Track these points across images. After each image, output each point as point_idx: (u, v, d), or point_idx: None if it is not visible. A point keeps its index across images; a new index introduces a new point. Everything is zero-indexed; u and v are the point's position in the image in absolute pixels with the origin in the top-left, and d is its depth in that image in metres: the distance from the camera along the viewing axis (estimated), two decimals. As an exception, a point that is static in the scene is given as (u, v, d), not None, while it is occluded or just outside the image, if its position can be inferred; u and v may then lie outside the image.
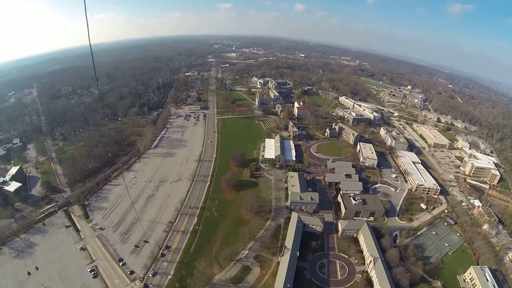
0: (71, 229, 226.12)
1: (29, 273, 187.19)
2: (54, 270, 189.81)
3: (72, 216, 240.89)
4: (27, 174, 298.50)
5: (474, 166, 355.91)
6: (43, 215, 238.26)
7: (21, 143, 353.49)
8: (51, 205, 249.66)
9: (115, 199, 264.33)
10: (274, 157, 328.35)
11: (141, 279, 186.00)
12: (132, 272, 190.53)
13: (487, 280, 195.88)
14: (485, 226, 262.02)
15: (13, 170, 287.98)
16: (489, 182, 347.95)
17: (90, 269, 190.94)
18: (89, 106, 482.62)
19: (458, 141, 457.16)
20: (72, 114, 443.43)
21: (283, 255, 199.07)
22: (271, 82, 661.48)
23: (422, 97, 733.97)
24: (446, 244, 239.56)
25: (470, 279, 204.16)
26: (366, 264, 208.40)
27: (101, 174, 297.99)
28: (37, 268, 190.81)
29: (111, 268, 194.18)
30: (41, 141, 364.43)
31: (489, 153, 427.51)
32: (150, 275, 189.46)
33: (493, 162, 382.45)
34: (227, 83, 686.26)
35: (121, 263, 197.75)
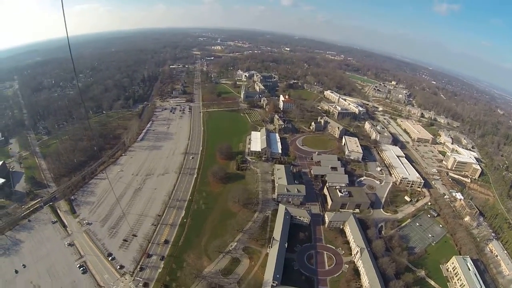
0: (58, 225, 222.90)
1: (16, 271, 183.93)
2: (42, 267, 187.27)
3: (59, 211, 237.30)
4: (10, 170, 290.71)
5: (456, 161, 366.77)
6: (28, 211, 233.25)
7: (3, 138, 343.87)
8: (36, 201, 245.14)
9: (101, 193, 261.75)
10: (260, 150, 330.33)
11: (131, 273, 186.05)
12: (121, 267, 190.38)
13: (469, 269, 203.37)
14: (467, 218, 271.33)
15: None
16: (470, 176, 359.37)
17: (78, 265, 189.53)
18: (72, 99, 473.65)
19: (441, 136, 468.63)
20: (56, 107, 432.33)
21: (271, 247, 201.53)
22: (257, 76, 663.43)
23: (406, 93, 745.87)
24: (430, 235, 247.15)
25: (453, 268, 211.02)
26: (353, 255, 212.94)
27: (87, 168, 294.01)
28: (24, 266, 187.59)
29: (100, 263, 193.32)
30: (24, 135, 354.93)
31: (471, 148, 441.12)
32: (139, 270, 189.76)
33: (475, 157, 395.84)
34: (212, 76, 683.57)
35: (110, 257, 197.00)
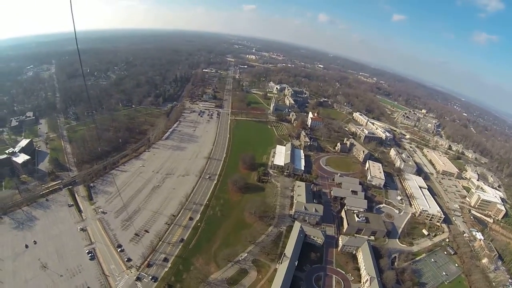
0: (74, 209, 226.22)
1: (26, 246, 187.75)
2: (52, 247, 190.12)
3: (76, 195, 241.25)
4: (37, 148, 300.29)
5: (480, 199, 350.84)
6: (47, 190, 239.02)
7: (34, 117, 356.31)
8: (56, 182, 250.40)
9: (120, 185, 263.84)
10: (283, 164, 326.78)
11: (137, 267, 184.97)
12: (129, 260, 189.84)
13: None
14: (485, 260, 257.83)
15: (23, 142, 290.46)
16: (493, 216, 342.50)
17: (87, 250, 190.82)
18: (104, 90, 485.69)
19: (467, 171, 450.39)
20: (87, 95, 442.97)
21: (281, 263, 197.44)
22: (288, 90, 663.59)
23: (435, 123, 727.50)
24: (444, 273, 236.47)
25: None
26: (362, 283, 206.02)
27: (109, 158, 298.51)
28: (35, 242, 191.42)
29: (109, 252, 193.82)
30: (54, 118, 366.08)
31: (497, 187, 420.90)
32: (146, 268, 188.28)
33: (500, 197, 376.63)
34: (244, 84, 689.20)
35: (120, 249, 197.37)
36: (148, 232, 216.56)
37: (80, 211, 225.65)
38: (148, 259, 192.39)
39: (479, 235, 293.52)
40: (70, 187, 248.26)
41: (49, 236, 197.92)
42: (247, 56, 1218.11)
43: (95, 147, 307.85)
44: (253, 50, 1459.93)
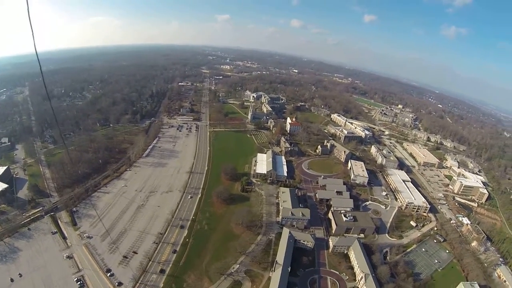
0: (58, 236, 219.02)
1: (12, 280, 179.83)
2: (38, 278, 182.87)
3: (59, 222, 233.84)
4: (14, 176, 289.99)
5: (463, 185, 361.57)
6: (29, 219, 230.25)
7: (9, 143, 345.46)
8: (37, 210, 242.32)
9: (104, 207, 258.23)
10: (265, 172, 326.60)
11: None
12: (120, 284, 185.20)
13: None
14: (474, 243, 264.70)
15: (0, 170, 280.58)
16: (477, 200, 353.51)
17: (76, 278, 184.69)
18: (81, 110, 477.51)
19: (447, 160, 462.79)
20: (63, 117, 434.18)
21: (274, 271, 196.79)
22: (264, 97, 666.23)
23: (412, 117, 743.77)
24: (436, 261, 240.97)
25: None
26: (357, 281, 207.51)
27: (91, 181, 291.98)
28: (20, 275, 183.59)
29: (98, 278, 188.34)
30: (30, 142, 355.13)
31: (477, 172, 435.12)
32: None
33: (481, 181, 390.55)
34: (220, 95, 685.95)
35: (109, 273, 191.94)
36: (136, 253, 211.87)
37: (64, 237, 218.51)
38: (139, 281, 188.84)
39: (465, 220, 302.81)
40: (52, 213, 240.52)
41: (35, 267, 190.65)
42: (222, 66, 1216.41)
43: (75, 170, 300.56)
44: (228, 60, 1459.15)
